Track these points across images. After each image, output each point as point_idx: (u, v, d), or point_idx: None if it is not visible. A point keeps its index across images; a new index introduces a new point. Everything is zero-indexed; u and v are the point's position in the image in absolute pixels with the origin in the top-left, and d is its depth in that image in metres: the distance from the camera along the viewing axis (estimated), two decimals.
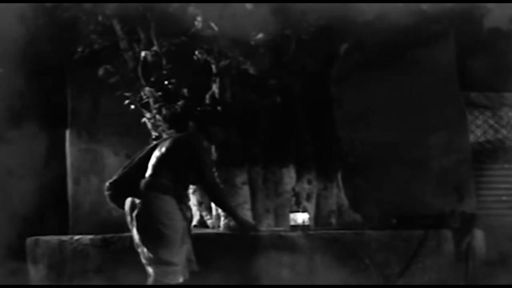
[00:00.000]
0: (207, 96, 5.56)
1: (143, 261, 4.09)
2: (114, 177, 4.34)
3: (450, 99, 6.98)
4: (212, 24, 5.19)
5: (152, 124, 5.70)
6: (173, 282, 3.99)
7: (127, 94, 5.75)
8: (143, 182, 4.16)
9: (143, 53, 5.61)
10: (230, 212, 4.42)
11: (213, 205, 5.49)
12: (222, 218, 5.37)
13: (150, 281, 4.06)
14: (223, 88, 5.50)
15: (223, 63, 5.39)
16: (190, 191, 5.49)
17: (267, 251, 4.64)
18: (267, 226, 5.44)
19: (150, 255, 4.03)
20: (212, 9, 5.09)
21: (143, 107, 5.74)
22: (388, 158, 6.49)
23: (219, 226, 5.39)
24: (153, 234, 4.02)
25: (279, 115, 5.61)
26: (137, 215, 4.07)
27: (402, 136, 6.55)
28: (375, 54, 6.13)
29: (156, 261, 4.01)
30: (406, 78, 6.67)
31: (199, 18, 5.20)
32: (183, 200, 4.20)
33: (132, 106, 5.78)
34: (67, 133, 6.81)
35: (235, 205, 5.34)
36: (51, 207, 6.52)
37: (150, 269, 4.06)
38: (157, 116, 5.61)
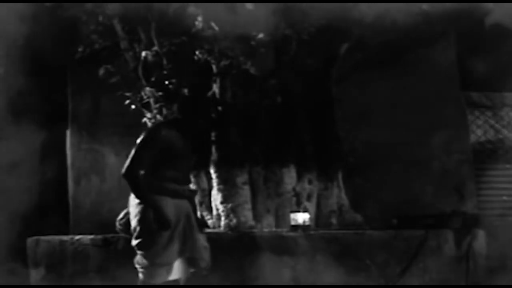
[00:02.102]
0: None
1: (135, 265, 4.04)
2: None
3: (451, 99, 6.97)
4: (213, 24, 5.20)
5: (153, 124, 5.70)
6: (159, 282, 3.91)
7: (127, 94, 5.75)
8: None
9: (143, 53, 5.62)
10: (147, 204, 3.91)
11: (213, 205, 5.50)
12: (223, 218, 5.38)
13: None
14: (224, 88, 5.50)
15: (223, 63, 5.39)
16: None
17: (268, 251, 4.64)
18: (267, 226, 5.45)
19: (139, 258, 3.96)
20: (213, 9, 5.09)
21: (143, 107, 5.74)
22: (388, 158, 6.48)
23: (219, 226, 5.39)
24: (143, 238, 3.94)
25: (280, 115, 5.62)
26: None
27: (403, 136, 6.54)
28: (376, 54, 6.13)
29: (144, 264, 3.94)
30: (406, 78, 6.67)
31: (199, 18, 5.21)
32: (177, 195, 4.00)
33: (133, 106, 5.78)
34: (68, 133, 6.81)
35: (235, 205, 5.35)
36: (52, 207, 6.52)
37: (139, 273, 3.99)
38: (158, 116, 5.62)
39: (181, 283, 4.03)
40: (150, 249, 3.90)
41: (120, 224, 4.55)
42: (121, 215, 4.64)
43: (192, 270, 4.03)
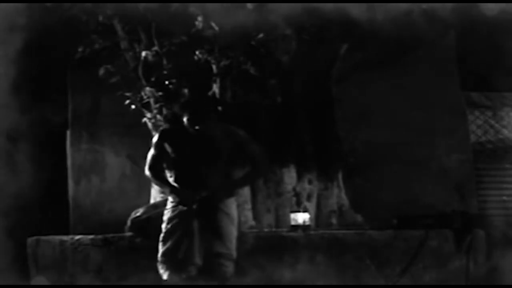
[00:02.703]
0: None
1: None
2: None
3: (451, 99, 6.98)
4: (213, 24, 5.20)
5: (153, 124, 5.70)
6: (169, 282, 4.06)
7: (127, 94, 5.75)
8: None
9: (143, 53, 5.61)
10: (165, 190, 4.32)
11: None
12: None
13: None
14: (224, 88, 5.50)
15: (223, 63, 5.39)
16: None
17: (268, 251, 4.64)
18: (267, 226, 5.45)
19: None
20: (213, 9, 5.09)
21: (143, 107, 5.74)
22: (388, 158, 6.49)
23: None
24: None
25: (280, 115, 5.62)
26: None
27: (402, 136, 6.55)
28: (376, 54, 6.13)
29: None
30: (406, 78, 6.67)
31: (199, 18, 5.21)
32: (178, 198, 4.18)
33: (133, 106, 5.78)
34: (68, 133, 6.81)
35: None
36: (52, 207, 6.52)
37: None
38: (158, 116, 5.62)
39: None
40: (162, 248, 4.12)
41: (132, 222, 4.65)
42: (137, 214, 4.74)
43: (183, 274, 4.05)
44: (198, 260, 4.03)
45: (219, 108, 5.41)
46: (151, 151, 4.22)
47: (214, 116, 4.16)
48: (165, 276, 4.08)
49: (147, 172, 4.25)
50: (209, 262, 4.04)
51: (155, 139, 4.22)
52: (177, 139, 4.14)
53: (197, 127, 4.06)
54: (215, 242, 4.06)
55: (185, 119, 4.09)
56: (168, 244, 4.07)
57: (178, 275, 4.04)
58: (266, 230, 5.34)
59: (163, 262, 4.08)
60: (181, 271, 4.04)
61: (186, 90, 5.56)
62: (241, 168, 4.24)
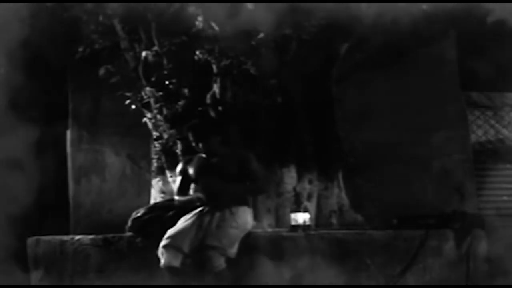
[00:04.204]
0: (208, 96, 5.57)
1: None
2: None
3: (451, 99, 6.97)
4: (213, 24, 5.20)
5: (153, 124, 5.71)
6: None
7: (128, 94, 5.76)
8: None
9: (144, 53, 5.62)
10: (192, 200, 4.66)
11: None
12: None
13: None
14: (224, 88, 5.50)
15: (224, 63, 5.39)
16: None
17: (268, 251, 4.64)
18: (268, 226, 5.45)
19: None
20: (213, 9, 5.10)
21: (144, 107, 5.75)
22: (388, 158, 6.48)
23: None
24: None
25: (280, 115, 5.62)
26: None
27: (403, 136, 6.54)
28: (376, 54, 6.13)
29: None
30: (406, 78, 6.67)
31: (200, 18, 5.21)
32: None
33: (133, 106, 5.79)
34: (68, 133, 6.82)
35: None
36: (52, 207, 6.52)
37: None
38: (158, 116, 5.62)
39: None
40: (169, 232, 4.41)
41: (134, 222, 4.70)
42: (138, 214, 4.78)
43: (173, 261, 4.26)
44: (185, 249, 4.28)
45: (219, 108, 5.45)
46: (178, 179, 4.73)
47: (219, 139, 4.63)
48: (162, 261, 4.28)
49: (176, 196, 4.69)
50: (199, 253, 4.26)
51: (179, 168, 4.75)
52: (195, 163, 4.66)
53: (200, 145, 4.56)
54: (209, 235, 4.31)
55: (190, 137, 4.57)
56: (175, 231, 4.34)
57: (168, 261, 4.25)
58: (266, 230, 5.33)
59: (163, 246, 4.29)
60: (172, 257, 4.26)
61: (186, 90, 5.56)
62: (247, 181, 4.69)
